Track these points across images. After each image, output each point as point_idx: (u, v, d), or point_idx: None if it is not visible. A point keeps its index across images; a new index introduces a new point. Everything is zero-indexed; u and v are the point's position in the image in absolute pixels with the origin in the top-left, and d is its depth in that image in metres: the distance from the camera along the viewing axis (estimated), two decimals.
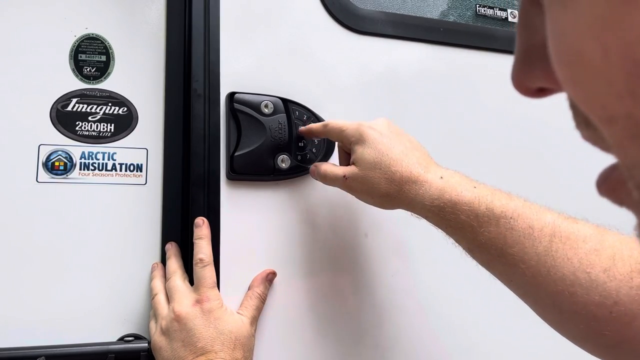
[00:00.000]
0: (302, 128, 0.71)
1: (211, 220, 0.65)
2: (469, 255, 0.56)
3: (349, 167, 0.63)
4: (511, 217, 0.51)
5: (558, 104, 0.21)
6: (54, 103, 0.66)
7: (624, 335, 0.44)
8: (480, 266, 0.80)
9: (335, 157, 0.73)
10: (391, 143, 0.61)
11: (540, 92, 0.22)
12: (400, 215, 0.76)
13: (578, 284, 0.46)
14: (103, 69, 0.69)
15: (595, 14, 0.17)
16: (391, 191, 0.59)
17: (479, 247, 0.53)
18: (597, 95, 0.18)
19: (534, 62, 0.21)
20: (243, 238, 0.68)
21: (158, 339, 0.59)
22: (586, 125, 0.20)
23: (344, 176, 0.63)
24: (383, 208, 0.64)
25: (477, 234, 0.52)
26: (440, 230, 0.57)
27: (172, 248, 0.66)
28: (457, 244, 0.56)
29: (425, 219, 0.58)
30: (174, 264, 0.65)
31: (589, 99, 0.18)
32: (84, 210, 0.65)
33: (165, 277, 0.65)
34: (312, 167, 0.69)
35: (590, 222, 0.50)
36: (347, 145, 0.65)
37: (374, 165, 0.60)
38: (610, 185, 0.20)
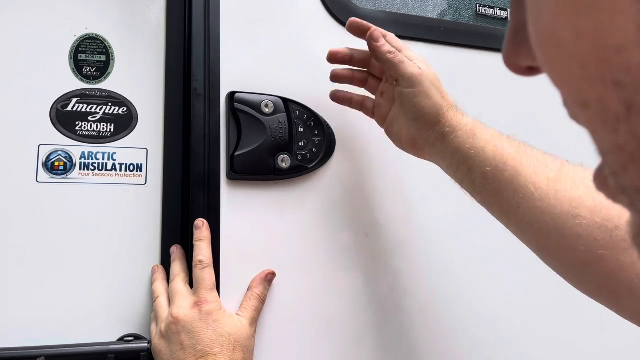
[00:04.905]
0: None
1: (211, 220, 0.65)
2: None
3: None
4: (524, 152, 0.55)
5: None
6: (54, 103, 0.66)
7: (620, 261, 0.45)
8: (480, 267, 0.80)
9: (334, 158, 0.73)
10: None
11: (530, 70, 0.22)
12: (401, 215, 0.76)
13: (583, 206, 0.48)
14: (103, 69, 0.68)
15: None
16: (439, 105, 0.59)
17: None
18: (571, 79, 0.17)
19: (522, 41, 0.21)
20: (243, 238, 0.68)
21: (157, 342, 0.60)
22: (569, 105, 0.19)
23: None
24: (417, 144, 0.63)
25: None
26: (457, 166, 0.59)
27: (177, 251, 0.66)
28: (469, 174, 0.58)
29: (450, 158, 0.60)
30: (178, 267, 0.65)
31: (565, 81, 0.18)
32: (84, 211, 0.65)
33: (166, 280, 0.65)
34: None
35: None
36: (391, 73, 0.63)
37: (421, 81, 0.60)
38: (602, 180, 0.20)
